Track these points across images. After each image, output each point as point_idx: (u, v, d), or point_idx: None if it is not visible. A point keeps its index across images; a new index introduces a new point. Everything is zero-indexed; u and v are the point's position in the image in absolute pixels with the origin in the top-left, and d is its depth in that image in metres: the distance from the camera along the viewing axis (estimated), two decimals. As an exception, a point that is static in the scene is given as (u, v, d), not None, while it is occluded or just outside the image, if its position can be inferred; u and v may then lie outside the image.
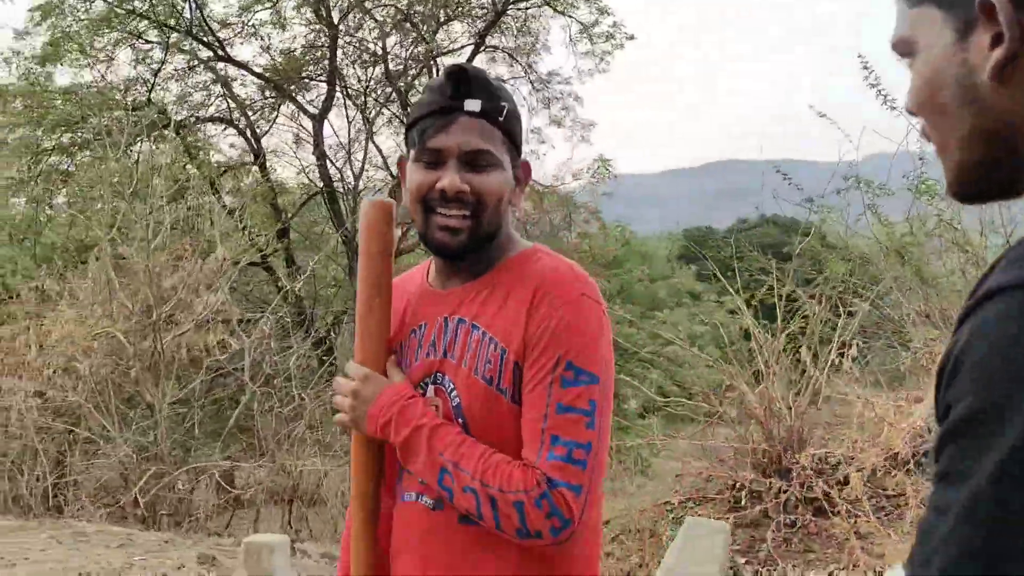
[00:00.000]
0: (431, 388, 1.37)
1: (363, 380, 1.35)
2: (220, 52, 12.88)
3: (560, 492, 1.19)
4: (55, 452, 8.10)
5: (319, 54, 14.60)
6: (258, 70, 13.83)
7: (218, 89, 13.74)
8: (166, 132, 11.80)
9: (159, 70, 12.39)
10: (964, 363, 0.63)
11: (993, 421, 0.59)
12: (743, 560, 5.10)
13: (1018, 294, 0.62)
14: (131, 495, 7.37)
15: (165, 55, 12.32)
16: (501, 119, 1.33)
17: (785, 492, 5.37)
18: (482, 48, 14.25)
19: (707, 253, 9.04)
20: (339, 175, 13.63)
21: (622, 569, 5.18)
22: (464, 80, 1.32)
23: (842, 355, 6.16)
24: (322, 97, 14.23)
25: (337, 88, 13.39)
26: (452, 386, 1.34)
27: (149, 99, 12.05)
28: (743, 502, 5.58)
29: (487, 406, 1.30)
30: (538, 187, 15.31)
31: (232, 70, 14.01)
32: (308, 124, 14.21)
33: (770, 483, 5.46)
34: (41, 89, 11.86)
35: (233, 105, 13.90)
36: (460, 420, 1.32)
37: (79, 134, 11.96)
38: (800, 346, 6.35)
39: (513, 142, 1.36)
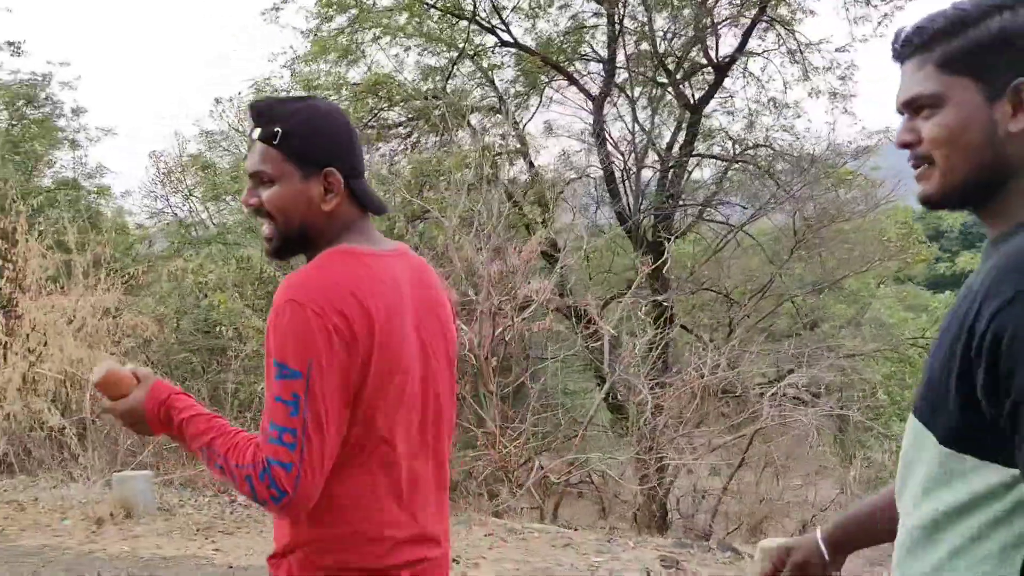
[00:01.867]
0: None
1: (126, 410, 1.59)
2: (506, 36, 12.70)
3: (274, 469, 1.40)
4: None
5: (576, 38, 14.23)
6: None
7: (480, 77, 13.64)
8: (455, 121, 11.70)
9: (456, 59, 12.33)
10: (1018, 341, 0.98)
11: None
12: None
13: None
14: (512, 487, 7.18)
15: (464, 43, 12.24)
16: (275, 142, 1.57)
17: None
18: (762, 18, 13.43)
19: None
20: (618, 156, 13.19)
21: None
22: (252, 114, 1.61)
23: None
24: (589, 78, 13.87)
25: (617, 67, 12.95)
26: None
27: (444, 88, 12.02)
28: None
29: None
30: (812, 166, 14.34)
31: (494, 58, 13.88)
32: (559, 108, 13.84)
33: None
34: (343, 83, 12.05)
35: (493, 93, 13.75)
36: None
37: (375, 127, 12.08)
38: None
39: (302, 158, 1.57)
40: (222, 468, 1.47)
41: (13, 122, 19.01)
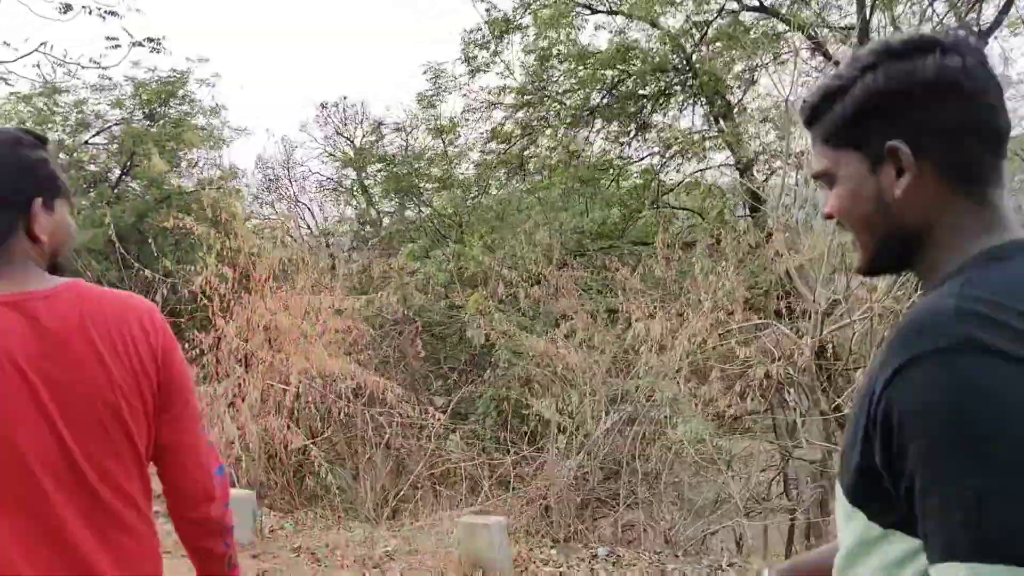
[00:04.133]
0: None
1: None
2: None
3: None
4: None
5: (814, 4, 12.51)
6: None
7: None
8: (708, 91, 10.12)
9: (708, 26, 10.69)
10: (908, 416, 0.90)
11: (947, 450, 0.87)
12: None
13: (924, 363, 0.90)
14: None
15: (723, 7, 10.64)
16: None
17: None
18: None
19: None
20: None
21: None
22: None
23: None
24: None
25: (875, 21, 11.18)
26: None
27: (688, 60, 10.44)
28: None
29: None
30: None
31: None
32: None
33: None
34: (588, 51, 10.60)
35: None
36: None
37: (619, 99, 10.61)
38: None
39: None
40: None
41: (149, 122, 18.23)
